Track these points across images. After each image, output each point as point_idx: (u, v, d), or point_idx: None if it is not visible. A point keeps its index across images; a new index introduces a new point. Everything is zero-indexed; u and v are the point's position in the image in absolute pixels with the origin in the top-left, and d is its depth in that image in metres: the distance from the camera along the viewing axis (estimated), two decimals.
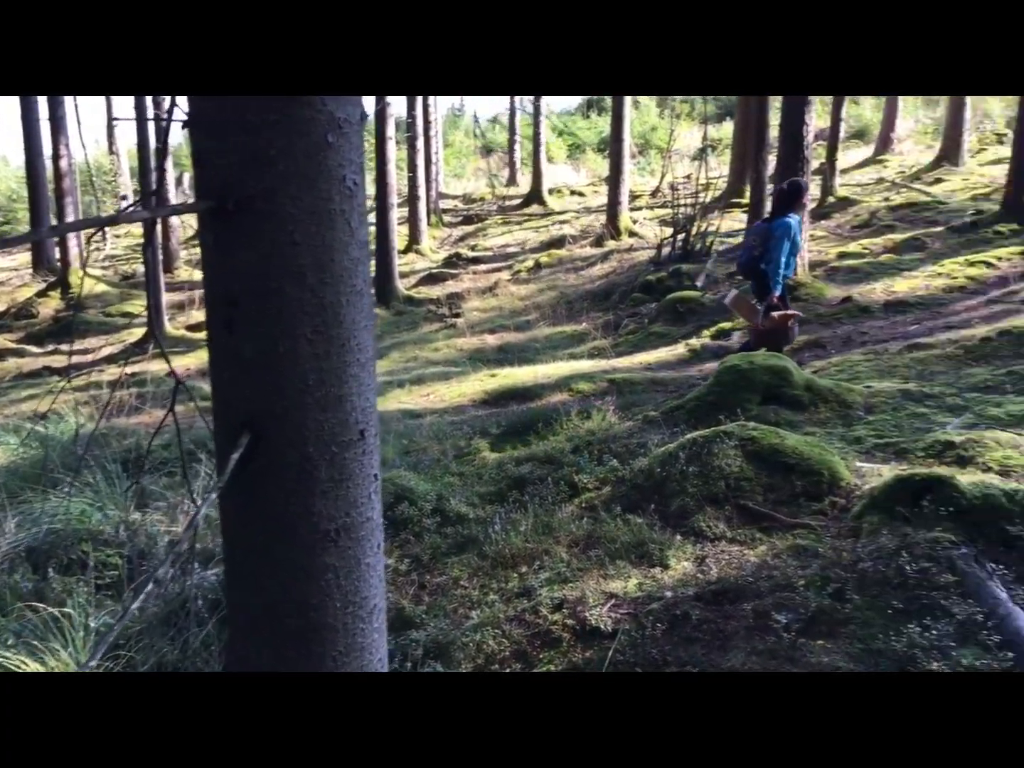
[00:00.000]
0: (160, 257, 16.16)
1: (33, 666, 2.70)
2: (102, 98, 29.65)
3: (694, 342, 8.82)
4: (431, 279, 16.33)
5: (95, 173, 22.86)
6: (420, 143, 17.58)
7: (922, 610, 2.60)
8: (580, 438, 4.99)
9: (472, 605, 3.29)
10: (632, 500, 3.92)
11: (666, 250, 13.14)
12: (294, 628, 1.29)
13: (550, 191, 22.54)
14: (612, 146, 16.31)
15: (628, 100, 16.27)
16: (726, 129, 24.40)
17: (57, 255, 17.86)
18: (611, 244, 15.66)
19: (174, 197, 19.22)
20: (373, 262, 15.29)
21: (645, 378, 7.13)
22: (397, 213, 15.77)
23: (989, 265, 9.14)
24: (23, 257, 20.44)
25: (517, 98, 24.57)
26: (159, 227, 16.46)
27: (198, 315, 14.12)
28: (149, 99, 14.53)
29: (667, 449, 4.14)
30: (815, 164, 12.41)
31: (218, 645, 2.92)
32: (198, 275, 15.54)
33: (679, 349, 8.72)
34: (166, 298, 14.41)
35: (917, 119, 24.11)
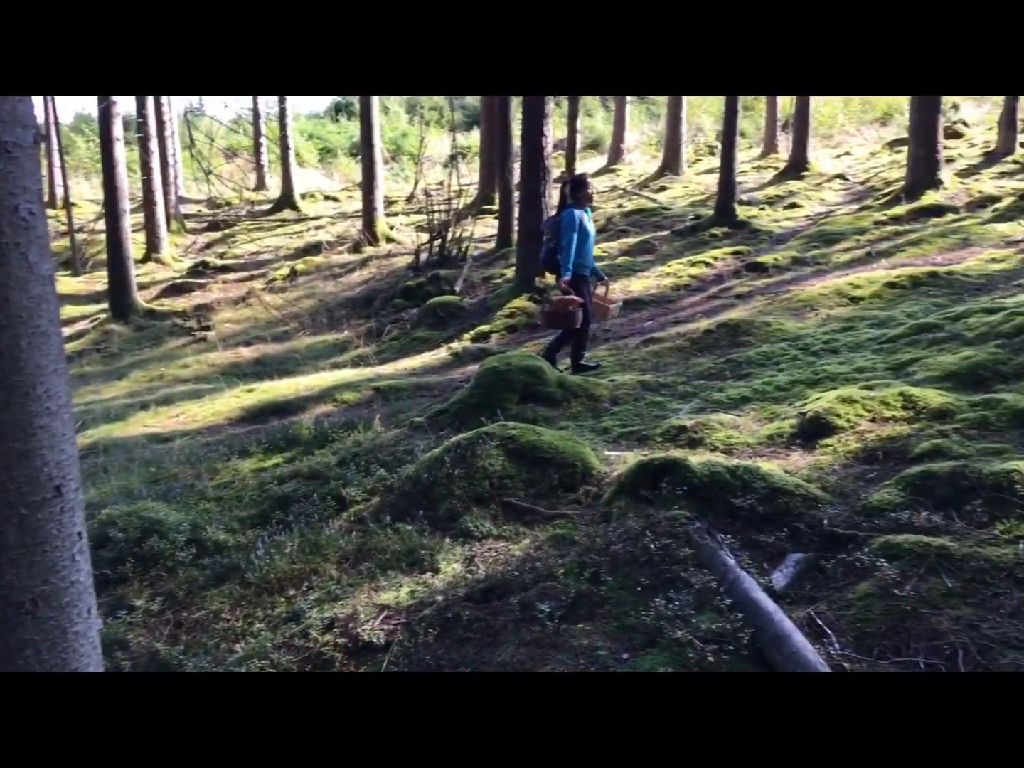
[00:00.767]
0: None
1: None
2: None
3: (456, 345, 9.01)
4: (176, 290, 15.16)
5: None
6: (154, 144, 16.27)
7: (666, 584, 2.86)
8: (346, 450, 4.90)
9: (236, 638, 3.10)
10: (401, 508, 3.92)
11: (424, 256, 13.30)
12: None
13: (303, 196, 21.89)
14: (363, 151, 16.16)
15: (376, 105, 16.21)
16: (474, 137, 25.20)
17: None
18: (369, 250, 15.54)
19: None
20: (106, 272, 13.92)
21: (410, 384, 7.17)
22: (132, 219, 14.44)
23: (708, 264, 10.29)
24: None
25: (261, 99, 23.54)
26: None
27: None
28: None
29: (433, 454, 4.19)
30: (556, 172, 13.22)
31: None
32: None
33: (442, 353, 8.87)
34: None
35: (642, 131, 26.54)
